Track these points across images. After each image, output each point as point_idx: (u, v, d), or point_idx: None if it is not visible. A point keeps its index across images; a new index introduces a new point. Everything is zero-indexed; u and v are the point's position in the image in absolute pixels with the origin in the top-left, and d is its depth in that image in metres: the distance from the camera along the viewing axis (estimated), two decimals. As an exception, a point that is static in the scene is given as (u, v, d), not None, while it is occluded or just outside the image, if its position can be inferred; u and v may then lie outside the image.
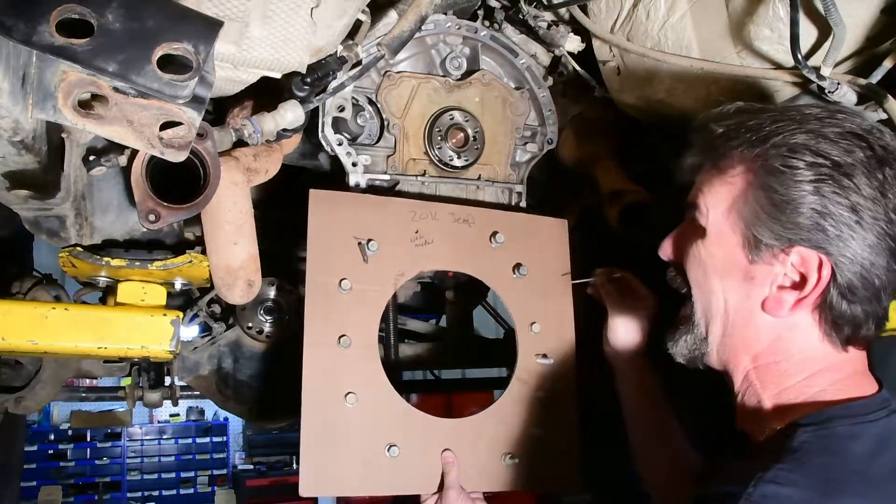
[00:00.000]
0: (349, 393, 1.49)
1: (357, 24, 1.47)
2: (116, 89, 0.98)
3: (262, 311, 2.18)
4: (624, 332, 1.56)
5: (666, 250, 1.23)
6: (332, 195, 1.59)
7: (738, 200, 1.07)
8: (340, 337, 1.51)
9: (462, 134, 1.82)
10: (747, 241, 1.06)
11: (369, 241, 1.55)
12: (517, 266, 1.68)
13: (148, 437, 9.45)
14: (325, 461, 1.45)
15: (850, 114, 1.05)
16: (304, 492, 1.43)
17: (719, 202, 1.09)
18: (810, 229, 1.00)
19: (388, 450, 1.49)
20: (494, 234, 1.67)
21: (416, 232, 1.61)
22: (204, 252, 1.53)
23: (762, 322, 1.08)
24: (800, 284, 1.03)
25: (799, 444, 0.96)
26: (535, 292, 1.70)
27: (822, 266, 1.00)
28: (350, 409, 1.49)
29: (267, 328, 2.20)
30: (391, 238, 1.59)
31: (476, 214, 1.68)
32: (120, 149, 1.32)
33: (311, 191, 1.56)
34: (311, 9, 1.26)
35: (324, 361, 1.49)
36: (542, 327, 1.67)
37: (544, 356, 1.66)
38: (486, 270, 1.68)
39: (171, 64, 0.96)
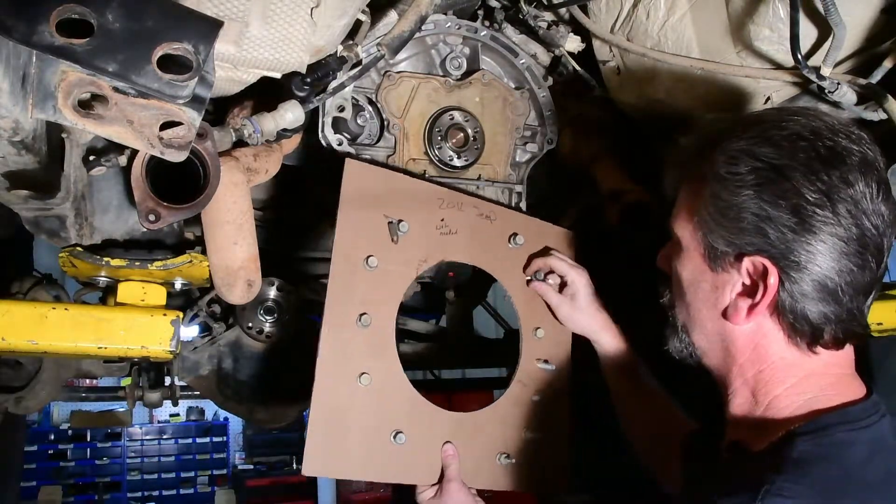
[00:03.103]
0: (363, 373, 1.47)
1: (357, 24, 1.47)
2: (116, 89, 0.98)
3: (262, 311, 2.19)
4: (570, 310, 1.62)
5: (659, 261, 1.26)
6: (367, 167, 1.57)
7: (698, 211, 1.09)
8: (361, 315, 1.50)
9: (462, 134, 1.82)
10: (707, 251, 1.08)
11: (400, 221, 1.54)
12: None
13: (148, 437, 9.45)
14: (331, 442, 1.45)
15: (807, 116, 1.03)
16: (307, 471, 1.42)
17: (686, 216, 1.12)
18: (754, 234, 1.00)
19: (395, 437, 1.49)
20: (514, 235, 1.67)
21: (442, 220, 1.61)
22: (204, 252, 1.53)
23: (737, 331, 1.08)
24: (753, 291, 1.03)
25: (798, 454, 0.96)
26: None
27: (768, 272, 1.00)
28: (362, 390, 1.47)
29: (267, 328, 2.20)
30: (418, 222, 1.58)
31: (498, 212, 1.69)
32: (120, 149, 1.32)
33: (347, 160, 1.54)
34: (311, 9, 1.26)
35: (342, 338, 1.48)
36: (545, 333, 1.68)
37: (546, 361, 1.67)
38: (502, 270, 1.68)
39: (171, 64, 0.96)
